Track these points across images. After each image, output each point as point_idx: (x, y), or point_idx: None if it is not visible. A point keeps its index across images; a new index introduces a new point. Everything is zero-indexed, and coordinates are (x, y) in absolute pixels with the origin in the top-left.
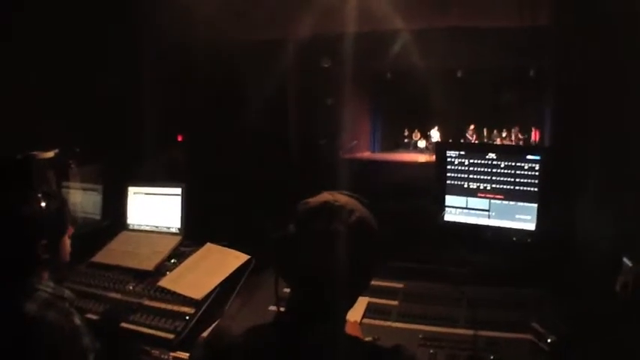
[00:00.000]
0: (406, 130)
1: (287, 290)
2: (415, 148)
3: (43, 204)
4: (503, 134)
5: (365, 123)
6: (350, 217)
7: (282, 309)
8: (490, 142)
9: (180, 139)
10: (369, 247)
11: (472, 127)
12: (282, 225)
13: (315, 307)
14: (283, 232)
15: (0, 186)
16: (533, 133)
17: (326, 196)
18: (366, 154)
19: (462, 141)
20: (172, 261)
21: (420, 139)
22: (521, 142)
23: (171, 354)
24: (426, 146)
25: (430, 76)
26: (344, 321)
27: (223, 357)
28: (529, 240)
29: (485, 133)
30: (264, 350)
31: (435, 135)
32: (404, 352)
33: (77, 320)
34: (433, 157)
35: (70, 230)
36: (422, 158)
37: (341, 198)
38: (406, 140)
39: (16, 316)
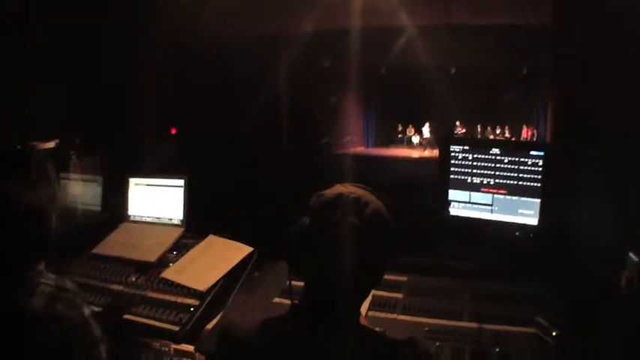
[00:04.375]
0: (400, 126)
1: (298, 283)
2: (409, 144)
3: (29, 195)
4: (497, 131)
5: (359, 118)
6: (365, 209)
7: (295, 301)
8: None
9: (174, 131)
10: (384, 239)
11: (458, 123)
12: (293, 218)
13: (331, 300)
14: (297, 225)
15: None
16: (524, 131)
17: (340, 188)
18: (360, 149)
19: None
20: (175, 253)
21: (414, 134)
22: (513, 139)
23: (173, 346)
24: (420, 142)
25: (424, 73)
26: (359, 313)
27: (238, 349)
28: (532, 235)
29: (479, 130)
30: (280, 342)
31: (426, 131)
32: (419, 345)
33: (86, 311)
34: (426, 153)
35: None
36: (415, 154)
37: (355, 190)
38: (400, 136)
39: (21, 314)
